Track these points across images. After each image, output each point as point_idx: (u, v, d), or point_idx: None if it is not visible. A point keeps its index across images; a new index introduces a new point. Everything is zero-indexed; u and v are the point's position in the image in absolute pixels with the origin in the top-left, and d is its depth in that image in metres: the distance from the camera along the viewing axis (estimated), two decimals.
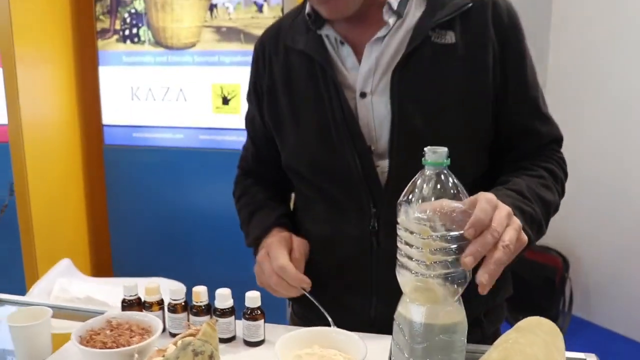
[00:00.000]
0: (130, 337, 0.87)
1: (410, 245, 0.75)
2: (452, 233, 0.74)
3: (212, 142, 2.65)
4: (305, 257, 1.06)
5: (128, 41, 2.67)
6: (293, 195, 1.27)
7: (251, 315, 0.93)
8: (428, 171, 0.76)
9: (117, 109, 2.75)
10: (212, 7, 2.54)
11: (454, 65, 0.99)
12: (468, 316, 0.81)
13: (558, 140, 1.09)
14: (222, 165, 2.57)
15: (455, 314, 0.77)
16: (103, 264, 2.81)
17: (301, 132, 1.07)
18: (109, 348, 0.85)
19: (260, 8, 2.46)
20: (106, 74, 2.74)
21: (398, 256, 0.78)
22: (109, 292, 1.85)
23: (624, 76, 3.12)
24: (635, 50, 3.03)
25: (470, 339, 0.84)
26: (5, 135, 2.46)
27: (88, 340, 0.87)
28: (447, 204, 0.75)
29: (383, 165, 0.99)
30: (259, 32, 2.36)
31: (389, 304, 0.84)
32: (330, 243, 1.07)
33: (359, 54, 1.02)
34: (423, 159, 0.77)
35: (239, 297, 0.99)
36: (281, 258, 0.99)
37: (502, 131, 1.04)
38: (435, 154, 0.76)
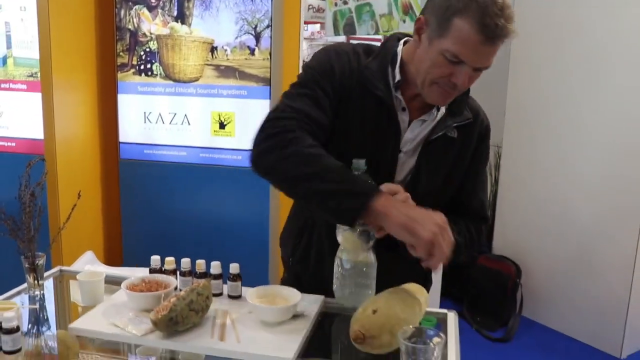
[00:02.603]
0: (157, 288, 1.37)
1: None
2: None
3: (210, 160, 2.94)
4: None
5: (143, 74, 2.97)
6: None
7: (233, 278, 1.43)
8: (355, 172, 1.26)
9: (131, 129, 3.04)
10: (213, 49, 2.86)
11: (453, 152, 1.42)
12: None
13: (485, 218, 1.52)
14: (218, 179, 2.94)
15: (367, 257, 1.31)
16: (115, 256, 3.14)
17: (354, 145, 1.36)
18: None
19: (252, 51, 2.82)
20: (124, 101, 3.02)
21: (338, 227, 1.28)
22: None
23: (571, 114, 3.40)
24: (580, 91, 3.33)
25: None
26: (42, 149, 2.79)
27: (131, 289, 1.37)
28: None
29: None
30: (251, 70, 2.86)
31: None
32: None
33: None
34: (352, 167, 1.25)
35: (225, 272, 1.46)
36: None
37: (456, 199, 1.47)
38: (358, 163, 1.24)
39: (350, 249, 1.30)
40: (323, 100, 1.31)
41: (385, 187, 1.25)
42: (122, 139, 3.08)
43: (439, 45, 1.22)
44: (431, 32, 1.25)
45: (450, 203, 1.46)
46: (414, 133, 1.40)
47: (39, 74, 2.83)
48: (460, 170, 1.46)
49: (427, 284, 1.60)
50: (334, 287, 1.35)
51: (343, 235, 1.30)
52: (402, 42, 1.41)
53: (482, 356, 3.24)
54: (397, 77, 1.35)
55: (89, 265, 2.37)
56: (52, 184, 2.73)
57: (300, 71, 1.40)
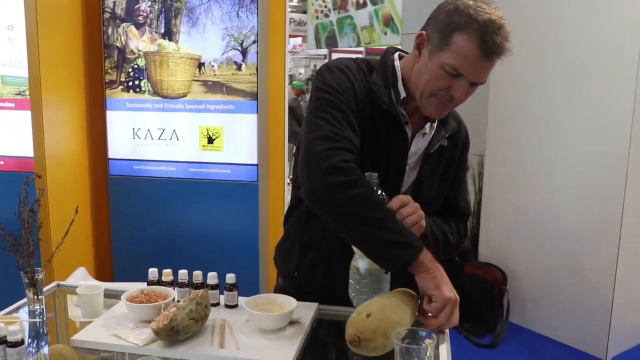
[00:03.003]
0: (157, 299, 1.41)
1: None
2: None
3: (198, 174, 2.99)
4: None
5: (131, 91, 3.01)
6: None
7: (230, 288, 1.47)
8: None
9: (120, 145, 3.07)
10: (200, 65, 2.92)
11: (444, 160, 1.52)
12: None
13: (468, 214, 1.65)
14: (207, 193, 2.98)
15: None
16: (106, 272, 3.15)
17: (367, 158, 1.40)
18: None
19: (239, 67, 2.88)
20: (112, 117, 3.06)
21: None
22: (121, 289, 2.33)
23: (551, 124, 3.46)
24: (559, 101, 3.40)
25: None
26: (31, 167, 2.81)
27: (131, 300, 1.40)
28: None
29: None
30: (238, 85, 2.91)
31: None
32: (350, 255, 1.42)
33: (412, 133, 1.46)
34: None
35: (221, 283, 1.50)
36: None
37: (446, 201, 1.58)
38: (371, 177, 1.31)
39: (367, 258, 1.35)
40: (355, 122, 1.36)
41: (397, 198, 1.33)
42: (111, 155, 3.12)
43: (439, 59, 1.30)
44: (432, 46, 1.32)
45: (442, 204, 1.57)
46: (417, 146, 1.47)
47: (27, 92, 2.86)
48: (450, 175, 1.56)
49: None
50: (351, 294, 1.39)
51: None
52: (397, 55, 1.47)
53: None
54: (402, 94, 1.42)
55: (82, 281, 2.38)
56: (43, 201, 2.68)
57: (314, 90, 1.41)
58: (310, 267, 1.54)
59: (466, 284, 3.72)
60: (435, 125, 1.49)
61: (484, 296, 3.68)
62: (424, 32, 1.36)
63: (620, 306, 3.27)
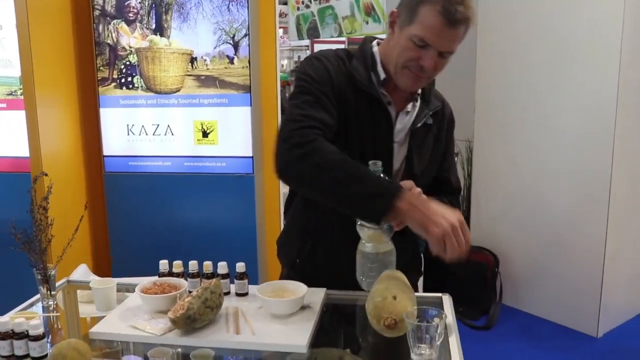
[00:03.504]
0: (170, 290, 1.45)
1: None
2: None
3: (194, 168, 3.00)
4: None
5: (124, 87, 3.02)
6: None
7: (240, 277, 1.51)
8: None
9: (115, 142, 3.07)
10: (192, 60, 2.93)
11: (431, 138, 1.60)
12: None
13: (460, 190, 1.73)
14: (203, 187, 2.99)
15: (388, 246, 1.39)
16: (105, 268, 3.15)
17: (354, 141, 1.47)
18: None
19: (231, 60, 2.89)
20: (106, 114, 3.05)
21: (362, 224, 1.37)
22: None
23: (538, 108, 3.52)
24: (546, 85, 3.46)
25: None
26: (25, 166, 2.81)
27: (145, 292, 1.44)
28: None
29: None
30: (231, 79, 2.92)
31: None
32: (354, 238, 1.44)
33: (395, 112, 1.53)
34: (369, 168, 1.36)
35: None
36: None
37: (438, 177, 1.64)
38: (375, 165, 1.37)
39: (375, 243, 1.39)
40: (329, 104, 1.42)
41: (403, 184, 1.37)
42: (106, 152, 3.12)
43: (407, 32, 1.39)
44: (402, 21, 1.41)
45: (433, 181, 1.64)
46: (402, 124, 1.55)
47: (18, 92, 2.86)
48: (439, 151, 1.63)
49: (418, 274, 1.76)
50: (359, 277, 1.43)
51: (367, 232, 1.39)
52: (375, 43, 1.56)
53: (466, 344, 3.33)
54: (382, 75, 1.49)
55: (84, 278, 2.40)
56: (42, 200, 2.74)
57: (294, 80, 1.51)
58: (310, 253, 1.60)
59: (459, 268, 3.74)
60: (418, 104, 1.56)
61: (477, 279, 3.74)
62: (394, 10, 1.45)
63: (609, 284, 3.35)
